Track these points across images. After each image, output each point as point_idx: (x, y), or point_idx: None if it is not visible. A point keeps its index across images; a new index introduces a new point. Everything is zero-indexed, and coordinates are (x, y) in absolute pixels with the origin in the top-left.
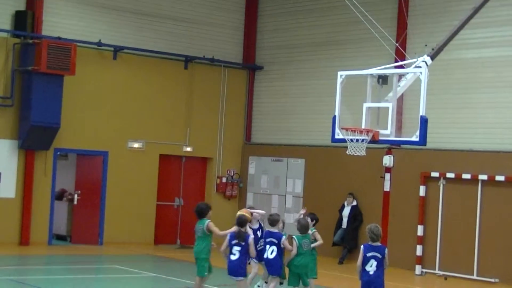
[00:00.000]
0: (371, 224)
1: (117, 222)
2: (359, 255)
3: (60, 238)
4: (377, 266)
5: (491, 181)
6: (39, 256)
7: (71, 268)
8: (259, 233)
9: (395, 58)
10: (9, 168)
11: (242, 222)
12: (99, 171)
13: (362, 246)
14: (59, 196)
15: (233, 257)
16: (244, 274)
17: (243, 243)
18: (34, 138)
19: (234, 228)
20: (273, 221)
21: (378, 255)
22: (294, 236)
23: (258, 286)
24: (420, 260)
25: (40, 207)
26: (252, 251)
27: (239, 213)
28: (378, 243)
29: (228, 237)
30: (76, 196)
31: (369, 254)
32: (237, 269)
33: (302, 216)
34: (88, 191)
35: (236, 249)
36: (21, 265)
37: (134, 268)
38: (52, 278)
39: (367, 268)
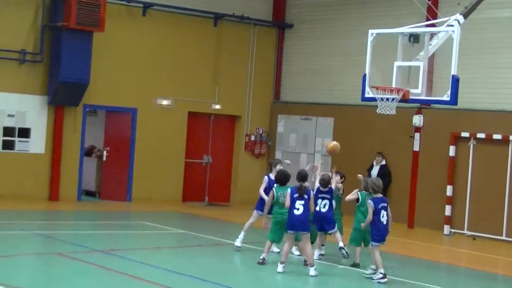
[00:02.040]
0: (369, 178)
1: (146, 179)
2: (369, 209)
3: (89, 194)
4: (387, 215)
5: None
6: (68, 211)
7: (99, 224)
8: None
9: (427, 16)
10: (38, 124)
11: (303, 177)
12: (128, 128)
13: (370, 201)
14: (88, 152)
15: (297, 212)
16: (309, 228)
17: (306, 197)
18: (63, 94)
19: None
20: (303, 176)
21: (385, 204)
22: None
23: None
24: (448, 220)
25: (69, 163)
26: (312, 205)
27: (331, 144)
28: (380, 194)
29: (289, 192)
30: (105, 152)
31: (379, 206)
32: (304, 223)
33: (309, 168)
34: (117, 147)
35: (299, 203)
36: (51, 220)
37: (162, 224)
38: (80, 233)
39: (381, 219)
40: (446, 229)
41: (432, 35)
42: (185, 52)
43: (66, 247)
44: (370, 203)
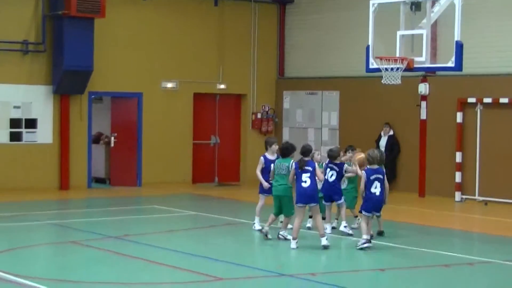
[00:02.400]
0: (370, 149)
1: (155, 163)
2: (362, 179)
3: (99, 181)
4: (381, 187)
5: None
6: (79, 199)
7: (111, 210)
8: (272, 166)
9: None
10: (45, 113)
11: (305, 151)
12: (134, 112)
13: (363, 172)
14: (96, 139)
15: (304, 185)
16: (317, 200)
17: (311, 169)
18: (68, 83)
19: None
20: (306, 151)
21: (380, 176)
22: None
23: (309, 227)
24: (459, 187)
25: (77, 151)
26: (320, 174)
27: (359, 157)
28: (376, 166)
29: (293, 167)
30: (112, 138)
31: (372, 177)
32: (312, 195)
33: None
34: (124, 133)
35: (305, 176)
36: (62, 209)
37: (174, 207)
38: (93, 221)
39: (373, 190)
40: (458, 195)
41: (434, 2)
42: (187, 33)
43: (79, 235)
44: (363, 173)
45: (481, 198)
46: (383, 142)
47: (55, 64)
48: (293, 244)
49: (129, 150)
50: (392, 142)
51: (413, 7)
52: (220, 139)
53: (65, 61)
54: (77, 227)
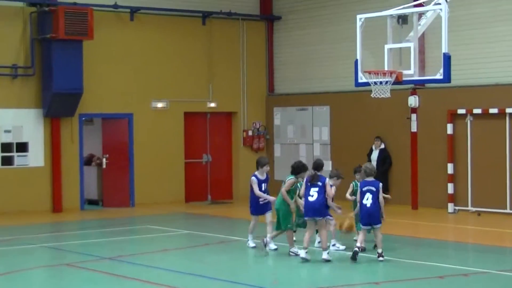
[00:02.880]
0: (365, 163)
1: (147, 183)
2: (358, 192)
3: (92, 202)
4: (372, 199)
5: None
6: (73, 222)
7: (105, 231)
8: (264, 185)
9: None
10: (36, 137)
11: (318, 166)
12: (125, 133)
13: (356, 183)
14: (87, 161)
15: (311, 199)
16: (324, 214)
17: (320, 184)
18: (58, 106)
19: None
20: (318, 165)
21: (372, 188)
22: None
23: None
24: (452, 198)
25: (69, 174)
26: (329, 191)
27: (346, 225)
28: (372, 178)
29: (305, 180)
30: (104, 160)
31: (364, 189)
32: (318, 209)
33: None
34: (116, 154)
35: (313, 190)
36: (56, 232)
37: (167, 226)
38: (87, 242)
39: (364, 201)
40: (451, 207)
41: (421, 15)
42: (176, 53)
43: (74, 258)
44: (358, 185)
45: (474, 209)
46: (374, 155)
47: (45, 87)
48: (302, 253)
49: (121, 171)
50: (384, 155)
51: (400, 20)
52: (212, 157)
53: (54, 84)
54: (71, 249)
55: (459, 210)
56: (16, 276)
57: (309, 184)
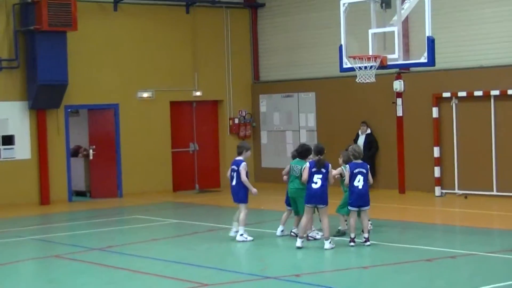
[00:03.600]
0: (352, 145)
1: (135, 173)
2: (346, 173)
3: (80, 194)
4: (364, 181)
5: (503, 96)
6: (61, 213)
7: (93, 222)
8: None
9: None
10: (22, 129)
11: (320, 150)
12: (111, 124)
13: (347, 165)
14: (74, 152)
15: (314, 186)
16: (327, 201)
17: (324, 171)
18: (44, 98)
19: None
20: (320, 149)
21: (363, 170)
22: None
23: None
24: (439, 182)
25: (56, 166)
26: (331, 178)
27: None
28: (360, 160)
29: (307, 166)
30: (91, 151)
31: (355, 171)
32: (321, 197)
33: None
34: (102, 145)
35: (317, 177)
36: (44, 224)
37: (156, 216)
38: (76, 234)
39: (356, 183)
40: (437, 190)
41: None
42: (160, 42)
43: (63, 249)
44: (346, 167)
45: (461, 192)
46: (361, 140)
47: (30, 79)
48: (298, 243)
49: (108, 161)
50: (370, 140)
51: (383, 4)
52: (198, 146)
53: (39, 76)
54: (60, 241)
55: (446, 193)
56: (5, 268)
57: (313, 170)
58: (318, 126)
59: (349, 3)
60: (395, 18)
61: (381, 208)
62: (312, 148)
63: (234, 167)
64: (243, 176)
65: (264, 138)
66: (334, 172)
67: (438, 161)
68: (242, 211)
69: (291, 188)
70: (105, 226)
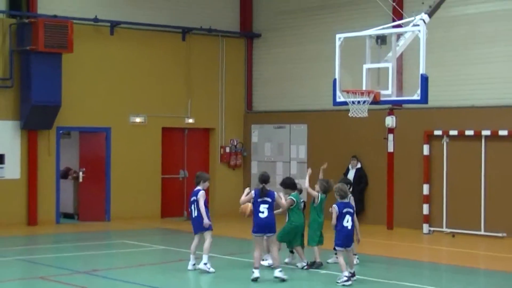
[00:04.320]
0: (337, 184)
1: (123, 198)
2: (333, 214)
3: (68, 216)
4: (352, 221)
5: (494, 136)
6: (48, 235)
7: (80, 245)
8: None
9: (393, 17)
10: (12, 149)
11: (265, 179)
12: (102, 147)
13: (335, 206)
14: (64, 174)
15: (262, 215)
16: (275, 230)
17: (270, 200)
18: (36, 118)
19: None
20: (266, 178)
21: (350, 210)
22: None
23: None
24: (427, 219)
25: (46, 187)
26: (283, 204)
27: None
28: (346, 200)
29: (252, 195)
30: (81, 173)
31: (344, 210)
32: (270, 225)
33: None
34: (92, 168)
35: (263, 206)
36: (31, 245)
37: (143, 242)
38: (62, 256)
39: (345, 223)
40: (425, 227)
41: (399, 35)
42: (155, 68)
43: (48, 271)
44: (334, 207)
45: (448, 230)
46: (351, 175)
47: (23, 99)
48: (256, 273)
49: (98, 185)
50: (360, 175)
51: (379, 40)
52: (189, 173)
53: (33, 96)
54: (46, 262)
55: (434, 231)
56: None
57: (258, 200)
58: (309, 158)
59: (345, 38)
60: (389, 54)
61: (369, 243)
62: (260, 176)
63: (194, 197)
64: (201, 204)
65: (254, 168)
66: (289, 201)
67: (427, 199)
68: (207, 239)
69: (302, 221)
70: (92, 250)
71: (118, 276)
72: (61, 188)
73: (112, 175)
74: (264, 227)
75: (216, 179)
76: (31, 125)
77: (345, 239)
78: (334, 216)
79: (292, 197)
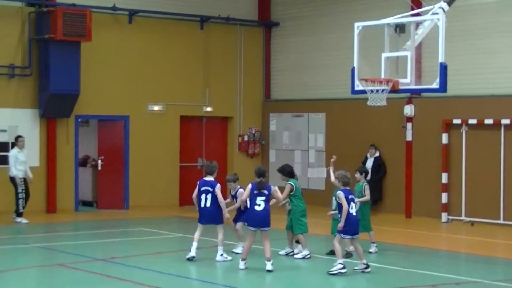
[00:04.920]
0: (340, 170)
1: (142, 186)
2: (343, 201)
3: (86, 204)
4: (355, 207)
5: None
6: (67, 222)
7: (98, 233)
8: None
9: (412, 6)
10: (31, 137)
11: (262, 172)
12: (120, 136)
13: (341, 192)
14: (82, 162)
15: (258, 208)
16: (269, 224)
17: (266, 192)
18: (55, 106)
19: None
20: (262, 172)
21: (354, 197)
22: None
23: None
24: (445, 208)
25: (64, 175)
26: (279, 197)
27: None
28: (348, 187)
29: (249, 188)
30: (99, 161)
31: (350, 197)
32: (265, 220)
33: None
34: (111, 156)
35: (260, 199)
36: (50, 232)
37: (161, 229)
38: (80, 244)
39: (351, 210)
40: (444, 216)
41: (418, 24)
42: (173, 56)
43: (67, 258)
44: (340, 194)
45: (467, 219)
46: (369, 163)
47: (42, 87)
48: (241, 265)
49: (116, 173)
50: (378, 164)
51: (398, 29)
52: (207, 161)
53: (51, 84)
54: (64, 250)
55: (452, 219)
56: (9, 275)
57: (255, 192)
58: (327, 147)
59: (363, 26)
60: (408, 43)
61: (387, 232)
62: (255, 169)
63: (207, 188)
64: (221, 198)
65: (272, 156)
66: (285, 193)
67: (446, 187)
68: (220, 232)
69: (304, 206)
70: (110, 237)
71: (136, 264)
72: (80, 176)
73: (130, 163)
74: (258, 221)
75: (234, 168)
76: (50, 114)
77: (352, 227)
78: (344, 202)
79: (291, 183)
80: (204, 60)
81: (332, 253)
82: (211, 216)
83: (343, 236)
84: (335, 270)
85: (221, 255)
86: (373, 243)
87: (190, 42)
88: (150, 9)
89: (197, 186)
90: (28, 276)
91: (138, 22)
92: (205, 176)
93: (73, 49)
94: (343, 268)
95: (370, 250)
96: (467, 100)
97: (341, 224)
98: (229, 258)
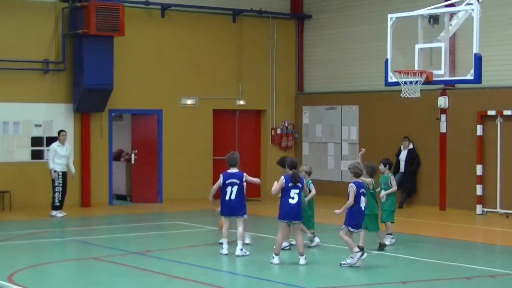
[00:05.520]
0: (352, 162)
1: (175, 179)
2: (351, 193)
3: (120, 198)
4: (365, 201)
5: None
6: (101, 216)
7: (133, 226)
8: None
9: None
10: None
11: (294, 164)
12: (154, 129)
13: (353, 184)
14: (116, 156)
15: (292, 201)
16: (301, 217)
17: (300, 185)
18: (88, 101)
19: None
20: (294, 163)
21: (364, 190)
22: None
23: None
24: (480, 200)
25: (99, 169)
26: (307, 191)
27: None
28: (360, 180)
29: (283, 180)
30: (133, 155)
31: (360, 191)
32: (298, 212)
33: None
34: (144, 150)
35: (294, 192)
36: (84, 226)
37: (195, 223)
38: (115, 237)
39: (361, 204)
40: (479, 208)
41: (452, 15)
42: (206, 50)
43: (101, 251)
44: (352, 186)
45: (502, 211)
46: (403, 155)
47: (76, 82)
48: (275, 260)
49: (150, 166)
50: (412, 156)
51: (431, 20)
52: (240, 154)
53: (85, 79)
54: (99, 243)
55: (487, 212)
56: (45, 268)
57: (290, 185)
58: (361, 139)
59: (397, 18)
60: (442, 34)
61: (421, 225)
62: (285, 162)
63: (234, 180)
64: (255, 179)
65: (306, 149)
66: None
67: (481, 179)
68: (241, 226)
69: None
70: (144, 231)
71: (171, 257)
72: (114, 170)
73: (163, 157)
74: (290, 214)
75: (267, 161)
76: (84, 108)
77: (360, 220)
78: (352, 195)
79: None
80: (237, 53)
81: (381, 248)
82: (236, 208)
83: (351, 229)
84: (356, 260)
85: (241, 249)
86: (390, 234)
87: (223, 35)
88: (182, 3)
89: (221, 179)
90: (64, 270)
91: (171, 16)
92: (229, 169)
93: (106, 43)
94: (362, 254)
95: (386, 242)
96: (502, 91)
97: (338, 211)
98: (248, 253)
